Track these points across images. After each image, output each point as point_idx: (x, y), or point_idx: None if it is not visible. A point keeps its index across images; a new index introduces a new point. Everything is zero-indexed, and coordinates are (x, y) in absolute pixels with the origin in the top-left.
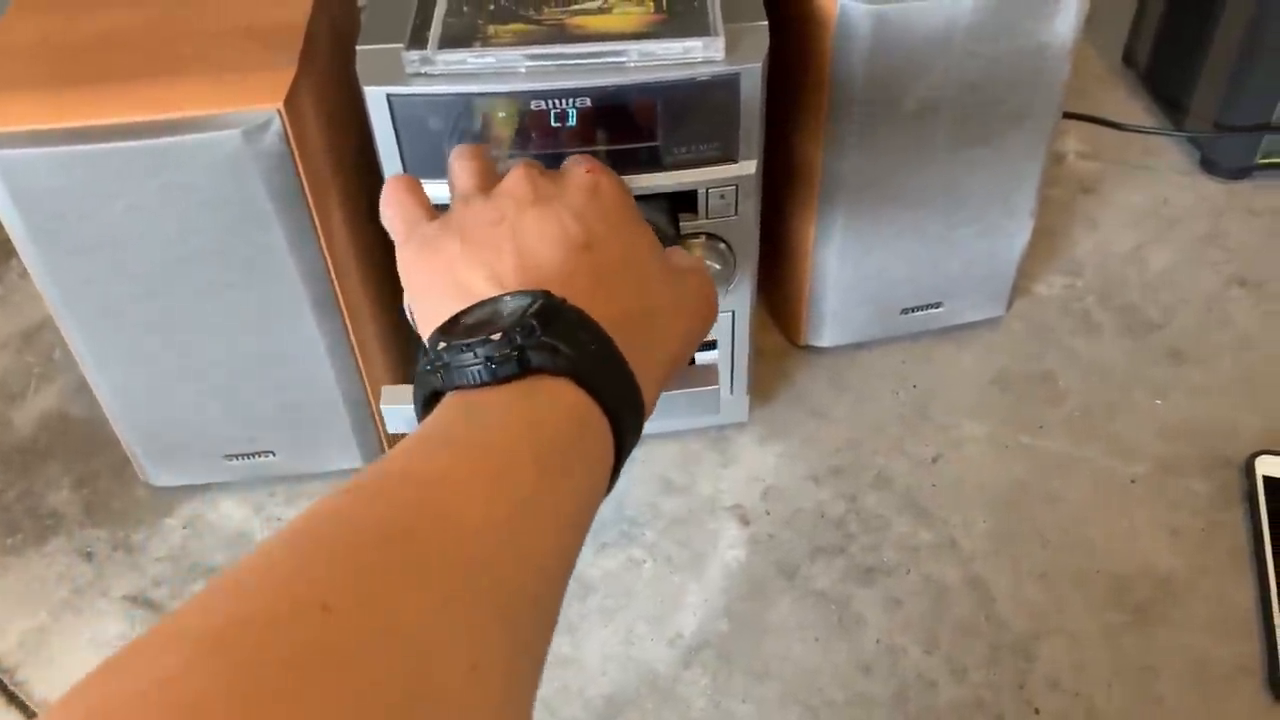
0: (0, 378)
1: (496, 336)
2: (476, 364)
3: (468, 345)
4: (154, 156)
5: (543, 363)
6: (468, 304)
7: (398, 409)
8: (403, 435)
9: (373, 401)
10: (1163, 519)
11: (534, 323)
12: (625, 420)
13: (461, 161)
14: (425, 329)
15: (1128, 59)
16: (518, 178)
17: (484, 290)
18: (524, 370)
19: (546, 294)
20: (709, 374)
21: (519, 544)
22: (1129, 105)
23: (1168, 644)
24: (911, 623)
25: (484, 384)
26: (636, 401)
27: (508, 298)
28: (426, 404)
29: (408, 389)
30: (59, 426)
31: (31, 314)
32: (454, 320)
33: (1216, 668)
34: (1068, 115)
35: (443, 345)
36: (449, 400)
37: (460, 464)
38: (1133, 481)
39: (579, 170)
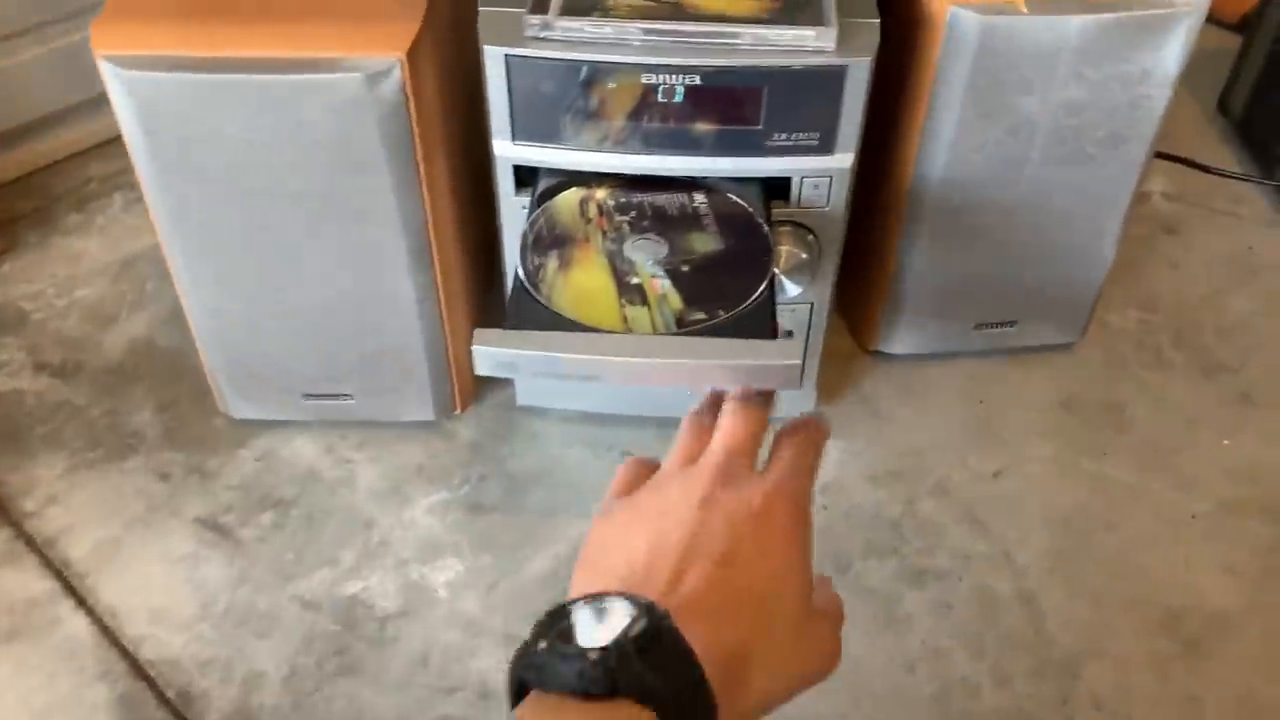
0: (95, 303)
1: (594, 656)
2: (569, 675)
3: (566, 655)
4: (277, 92)
5: (630, 689)
6: (600, 582)
7: (488, 350)
8: (476, 382)
9: (452, 357)
10: (1221, 556)
11: (631, 647)
12: None
13: (683, 434)
14: (571, 593)
15: (1222, 107)
16: (698, 472)
17: (614, 582)
18: (613, 692)
19: (651, 610)
20: (790, 348)
21: None
22: (1220, 151)
23: (1216, 678)
24: (959, 628)
25: (571, 692)
26: None
27: (618, 604)
28: (518, 691)
29: (499, 333)
30: (146, 353)
31: (130, 245)
32: (566, 610)
33: (1265, 706)
34: (1159, 155)
35: (544, 645)
36: (537, 703)
37: None
38: (1193, 517)
39: (758, 489)
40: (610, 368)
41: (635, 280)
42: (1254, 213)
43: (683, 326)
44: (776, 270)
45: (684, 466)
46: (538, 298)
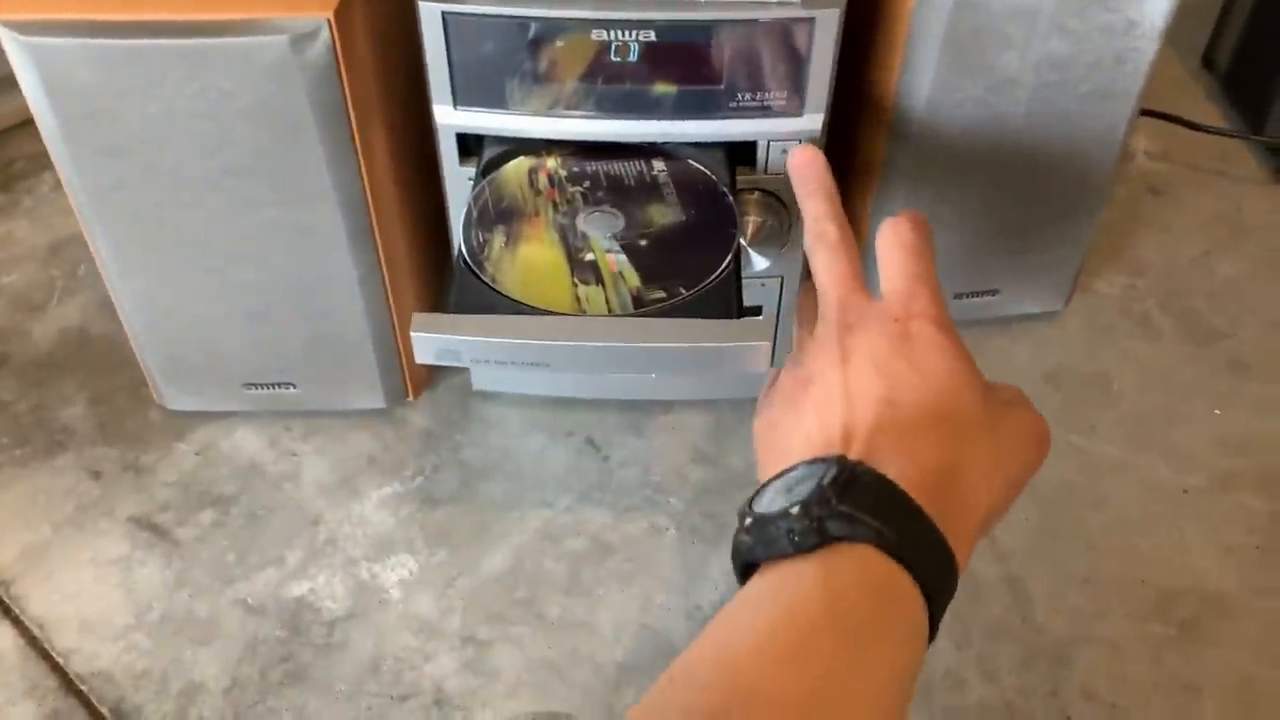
0: (23, 289)
1: (796, 510)
2: (779, 537)
3: (768, 521)
4: (196, 57)
5: (842, 532)
6: (783, 467)
7: (428, 337)
8: (430, 366)
9: (400, 340)
10: (1216, 534)
11: (830, 493)
12: (936, 583)
13: (799, 307)
14: (760, 475)
15: (1207, 62)
16: (824, 333)
17: (799, 452)
18: (825, 540)
19: (840, 460)
20: (759, 328)
21: (827, 717)
22: (1206, 108)
23: (1214, 663)
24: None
25: (789, 555)
26: (947, 563)
27: (802, 467)
28: (744, 572)
29: (440, 318)
30: (78, 342)
31: (60, 228)
32: (761, 490)
33: (1265, 692)
34: (1144, 113)
35: (750, 521)
36: (760, 573)
37: (766, 642)
38: (1185, 492)
39: (885, 318)
40: (562, 354)
41: (589, 257)
42: (1242, 171)
43: (641, 306)
44: (743, 242)
45: (809, 336)
46: (483, 278)
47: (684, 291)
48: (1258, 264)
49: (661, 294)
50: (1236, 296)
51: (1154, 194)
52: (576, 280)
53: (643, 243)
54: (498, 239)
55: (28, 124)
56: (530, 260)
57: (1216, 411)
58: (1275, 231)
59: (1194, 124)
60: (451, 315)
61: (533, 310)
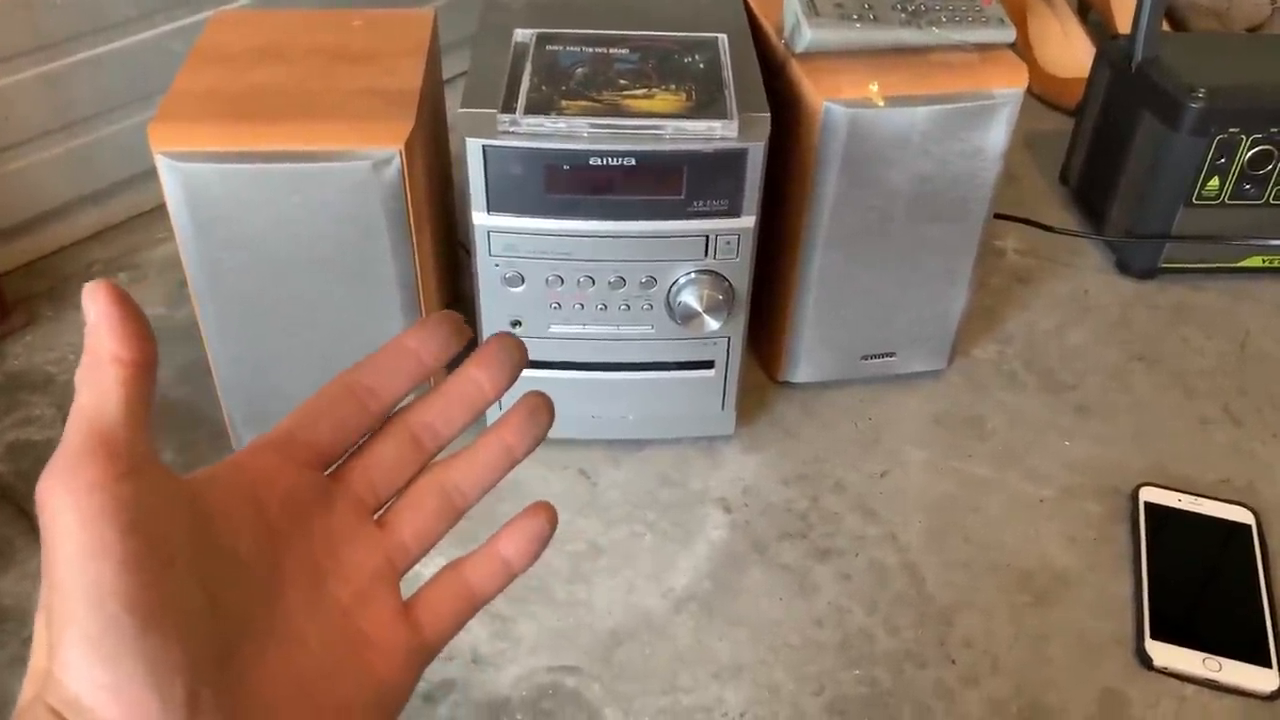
0: None
1: None
2: None
3: None
4: (301, 177)
5: None
6: None
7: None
8: None
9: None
10: (1063, 530)
11: None
12: None
13: None
14: None
15: (1063, 178)
16: None
17: None
18: None
19: None
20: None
21: None
22: (1062, 214)
23: (1059, 620)
24: (857, 592)
25: None
26: None
27: None
28: None
29: None
30: (163, 405)
31: None
32: None
33: (1096, 639)
34: (1005, 217)
35: None
36: None
37: None
38: (1041, 500)
39: None
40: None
41: None
42: (1089, 263)
43: None
44: (699, 308)
45: None
46: None
47: None
48: (1098, 333)
49: None
50: (1081, 358)
51: (1020, 282)
52: None
53: None
54: None
55: (99, 235)
56: None
57: (1065, 443)
58: (1112, 309)
59: (1050, 227)
60: None
61: None
